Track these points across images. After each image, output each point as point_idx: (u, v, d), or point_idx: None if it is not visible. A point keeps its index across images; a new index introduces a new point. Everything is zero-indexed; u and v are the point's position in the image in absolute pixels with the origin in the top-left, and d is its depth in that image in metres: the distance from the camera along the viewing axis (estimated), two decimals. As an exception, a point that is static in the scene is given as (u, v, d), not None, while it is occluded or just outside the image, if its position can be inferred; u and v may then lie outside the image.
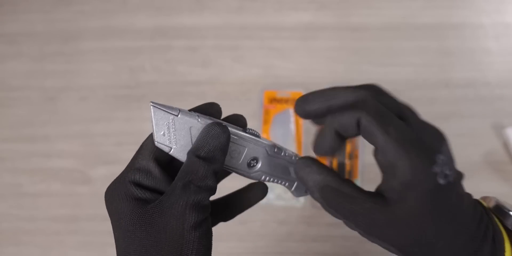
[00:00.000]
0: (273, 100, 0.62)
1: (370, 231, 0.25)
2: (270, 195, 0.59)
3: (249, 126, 0.30)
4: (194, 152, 0.26)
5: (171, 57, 0.66)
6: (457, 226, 0.24)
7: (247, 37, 0.66)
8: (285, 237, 0.58)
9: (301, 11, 0.67)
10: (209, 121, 0.27)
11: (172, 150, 0.27)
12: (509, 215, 0.25)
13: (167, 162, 0.28)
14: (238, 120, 0.29)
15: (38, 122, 0.65)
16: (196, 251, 0.24)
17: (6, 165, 0.63)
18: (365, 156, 0.59)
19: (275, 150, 0.30)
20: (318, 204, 0.27)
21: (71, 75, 0.67)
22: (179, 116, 0.27)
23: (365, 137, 0.26)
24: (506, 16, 0.66)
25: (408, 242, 0.24)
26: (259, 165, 0.30)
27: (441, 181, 0.24)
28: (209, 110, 0.28)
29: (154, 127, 0.26)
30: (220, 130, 0.26)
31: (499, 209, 0.26)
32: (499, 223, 0.25)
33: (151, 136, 0.28)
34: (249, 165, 0.29)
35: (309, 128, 0.61)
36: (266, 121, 0.61)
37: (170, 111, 0.26)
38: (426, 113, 0.62)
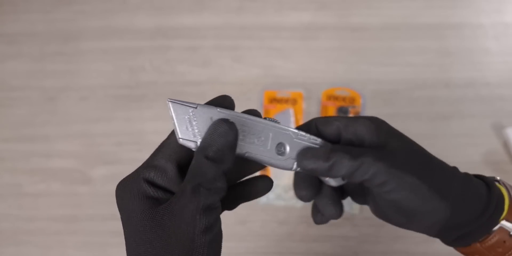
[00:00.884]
0: (273, 100, 0.62)
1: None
2: (270, 195, 0.59)
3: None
4: (201, 152, 0.25)
5: (171, 57, 0.66)
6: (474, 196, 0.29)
7: (247, 37, 0.66)
8: (285, 237, 0.58)
9: (301, 11, 0.67)
10: (227, 112, 0.26)
11: (197, 144, 0.26)
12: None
13: (185, 164, 0.27)
14: (253, 114, 0.29)
15: (38, 122, 0.65)
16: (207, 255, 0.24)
17: (6, 165, 0.63)
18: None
19: (298, 135, 0.29)
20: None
21: (71, 75, 0.67)
22: (197, 108, 0.26)
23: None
24: (505, 16, 0.66)
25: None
26: (287, 150, 0.28)
27: None
28: (222, 103, 0.28)
29: (175, 123, 0.25)
30: (227, 127, 0.25)
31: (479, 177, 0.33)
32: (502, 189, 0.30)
33: (173, 135, 0.27)
34: (278, 152, 0.28)
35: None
36: (266, 121, 0.61)
37: (188, 104, 0.26)
38: (426, 113, 0.62)
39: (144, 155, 0.27)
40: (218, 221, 0.26)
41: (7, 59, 0.68)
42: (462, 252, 0.31)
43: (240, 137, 0.27)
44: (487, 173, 0.58)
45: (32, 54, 0.68)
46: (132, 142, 0.62)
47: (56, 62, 0.67)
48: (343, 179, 0.30)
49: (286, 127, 0.29)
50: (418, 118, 0.62)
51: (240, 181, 0.31)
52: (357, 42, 0.65)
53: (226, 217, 0.29)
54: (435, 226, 0.29)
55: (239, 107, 0.29)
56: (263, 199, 0.58)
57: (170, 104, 0.25)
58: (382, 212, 0.30)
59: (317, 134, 0.30)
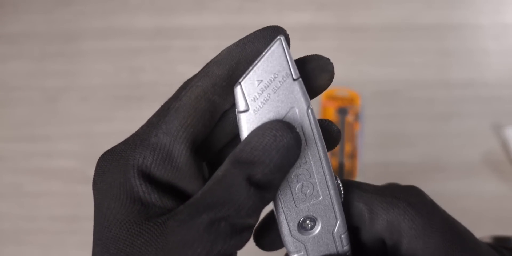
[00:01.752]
0: (273, 100, 0.62)
1: None
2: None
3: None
4: (242, 168, 0.17)
5: (171, 57, 0.66)
6: None
7: (247, 37, 0.66)
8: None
9: (301, 11, 0.67)
10: (312, 119, 0.19)
11: (246, 113, 0.18)
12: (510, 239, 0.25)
13: (201, 143, 0.18)
14: (329, 132, 0.20)
15: (39, 122, 0.65)
16: None
17: (7, 164, 0.63)
18: (365, 156, 0.59)
19: (337, 229, 0.20)
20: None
21: (72, 75, 0.67)
22: (296, 80, 0.19)
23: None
24: (504, 17, 0.66)
25: None
26: (314, 232, 0.20)
27: None
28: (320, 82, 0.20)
29: (288, 58, 0.18)
30: (294, 141, 0.17)
31: (501, 239, 0.26)
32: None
33: (186, 94, 0.18)
34: (303, 224, 0.20)
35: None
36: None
37: (291, 66, 0.19)
38: (425, 113, 0.63)
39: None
40: None
41: (8, 60, 0.68)
42: None
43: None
44: (485, 173, 0.58)
45: (32, 55, 0.68)
46: (132, 142, 0.63)
47: (57, 63, 0.67)
48: None
49: (340, 206, 0.20)
50: (417, 118, 0.62)
51: None
52: (357, 42, 0.66)
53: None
54: None
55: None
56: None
57: (283, 39, 0.19)
58: None
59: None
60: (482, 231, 0.56)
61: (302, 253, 0.20)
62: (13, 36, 0.69)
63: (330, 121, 0.21)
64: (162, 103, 0.20)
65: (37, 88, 0.66)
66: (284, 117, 0.18)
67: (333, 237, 0.20)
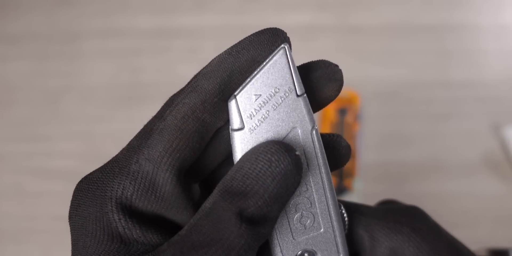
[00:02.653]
0: (273, 101, 0.62)
1: None
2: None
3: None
4: (233, 202, 0.15)
5: (171, 57, 0.66)
6: None
7: (247, 38, 0.66)
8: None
9: (300, 12, 0.67)
10: (316, 140, 0.16)
11: (241, 131, 0.16)
12: (507, 252, 0.25)
13: (188, 166, 0.16)
14: (338, 148, 0.18)
15: (40, 122, 0.65)
16: None
17: (8, 164, 0.63)
18: (365, 156, 0.59)
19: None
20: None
21: (73, 75, 0.67)
22: (300, 97, 0.16)
23: None
24: (504, 18, 0.66)
25: None
26: None
27: None
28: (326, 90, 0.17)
29: (292, 71, 0.16)
30: (293, 166, 0.15)
31: (497, 252, 0.25)
32: None
33: (170, 114, 0.16)
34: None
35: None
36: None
37: (295, 80, 0.16)
38: (424, 113, 0.63)
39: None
40: None
41: (9, 60, 0.68)
42: None
43: None
44: (484, 173, 0.58)
45: (33, 55, 0.68)
46: (133, 142, 0.63)
47: (58, 63, 0.68)
48: None
49: (343, 239, 0.18)
50: (417, 118, 0.62)
51: None
52: (356, 43, 0.66)
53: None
54: None
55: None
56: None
57: (287, 48, 0.17)
58: None
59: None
60: (481, 231, 0.57)
61: None
62: (14, 36, 0.69)
63: (339, 136, 0.18)
64: (163, 103, 0.18)
65: (38, 88, 0.67)
66: (284, 138, 0.16)
67: None
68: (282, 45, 0.17)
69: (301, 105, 0.16)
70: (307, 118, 0.16)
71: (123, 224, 0.15)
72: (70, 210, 0.18)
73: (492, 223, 0.56)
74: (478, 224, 0.56)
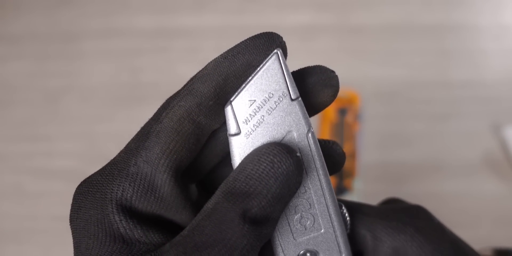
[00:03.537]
0: (273, 101, 0.62)
1: None
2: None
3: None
4: (236, 203, 0.15)
5: (171, 57, 0.66)
6: None
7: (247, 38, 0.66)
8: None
9: (300, 12, 0.67)
10: (313, 144, 0.17)
11: (237, 136, 0.16)
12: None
13: (186, 168, 0.17)
14: (332, 155, 0.18)
15: (40, 122, 0.65)
16: None
17: (8, 164, 0.63)
18: (365, 156, 0.59)
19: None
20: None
21: (73, 75, 0.67)
22: (295, 101, 0.17)
23: None
24: (503, 18, 0.66)
25: None
26: None
27: None
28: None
29: (286, 76, 0.16)
30: (294, 166, 0.15)
31: (502, 252, 0.25)
32: None
33: (167, 116, 0.16)
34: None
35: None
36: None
37: (289, 85, 0.17)
38: (424, 113, 0.63)
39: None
40: None
41: (9, 60, 0.68)
42: None
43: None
44: (484, 173, 0.58)
45: (33, 55, 0.68)
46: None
47: (58, 63, 0.68)
48: None
49: (345, 239, 0.18)
50: (417, 118, 0.62)
51: None
52: (356, 43, 0.66)
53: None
54: None
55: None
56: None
57: (280, 53, 0.16)
58: None
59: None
60: (481, 231, 0.57)
61: None
62: (14, 37, 0.69)
63: (335, 143, 0.19)
64: (163, 103, 0.18)
65: (38, 88, 0.67)
66: (281, 142, 0.16)
67: None
68: (275, 51, 0.17)
69: (296, 109, 0.17)
70: (302, 121, 0.17)
71: (124, 225, 0.16)
72: (71, 213, 0.18)
73: (492, 223, 0.56)
74: (478, 224, 0.56)
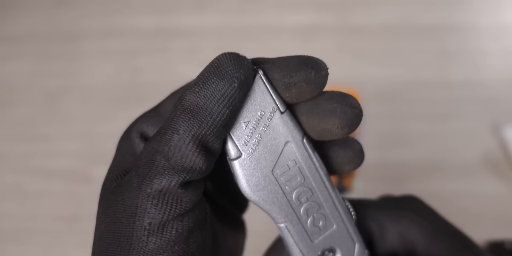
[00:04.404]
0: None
1: None
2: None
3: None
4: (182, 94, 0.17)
5: (172, 57, 0.66)
6: None
7: (247, 38, 0.66)
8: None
9: (300, 12, 0.67)
10: (309, 149, 0.18)
11: (239, 159, 0.17)
12: (503, 243, 0.25)
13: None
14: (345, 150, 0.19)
15: (40, 122, 0.65)
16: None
17: (8, 164, 0.64)
18: (365, 156, 0.59)
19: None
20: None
21: (73, 75, 0.67)
22: (284, 113, 0.17)
23: None
24: (503, 18, 0.66)
25: None
26: None
27: None
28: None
29: (272, 94, 0.17)
30: (237, 62, 0.17)
31: (494, 243, 0.26)
32: None
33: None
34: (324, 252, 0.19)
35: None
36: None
37: (276, 100, 0.17)
38: (424, 113, 0.63)
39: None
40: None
41: (10, 60, 0.68)
42: None
43: (294, 195, 0.18)
44: (484, 173, 0.58)
45: (34, 55, 0.68)
46: (133, 142, 0.63)
47: (58, 63, 0.68)
48: None
49: (354, 228, 0.19)
50: (417, 118, 0.62)
51: None
52: (356, 43, 0.66)
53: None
54: None
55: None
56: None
57: (262, 75, 0.17)
58: None
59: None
60: (481, 230, 0.57)
61: None
62: (14, 37, 0.69)
63: (354, 139, 0.20)
64: None
65: (38, 88, 0.67)
66: (281, 153, 0.17)
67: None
68: (258, 72, 0.18)
69: (287, 120, 0.17)
70: (295, 130, 0.17)
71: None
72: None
73: (492, 223, 0.56)
74: (478, 224, 0.56)
